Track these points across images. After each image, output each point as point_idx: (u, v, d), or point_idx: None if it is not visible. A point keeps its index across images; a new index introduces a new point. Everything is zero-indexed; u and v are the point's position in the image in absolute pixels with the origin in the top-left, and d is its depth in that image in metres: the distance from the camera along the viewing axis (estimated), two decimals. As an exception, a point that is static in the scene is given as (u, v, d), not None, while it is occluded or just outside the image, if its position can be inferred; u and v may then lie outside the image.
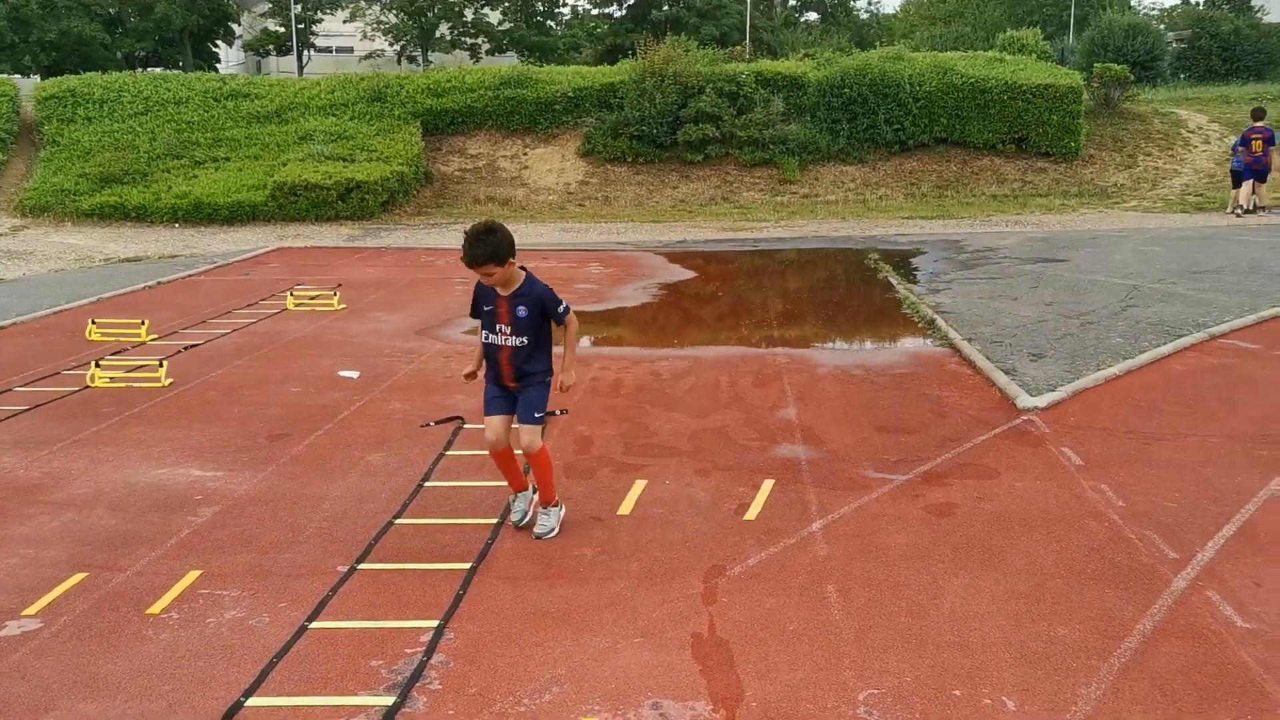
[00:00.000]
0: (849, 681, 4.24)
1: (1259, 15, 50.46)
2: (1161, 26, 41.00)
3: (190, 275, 16.19)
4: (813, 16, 72.03)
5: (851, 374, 9.37)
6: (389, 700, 4.15)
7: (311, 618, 4.86)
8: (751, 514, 6.07)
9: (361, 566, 5.43)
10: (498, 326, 5.57)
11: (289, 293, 13.53)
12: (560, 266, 16.43)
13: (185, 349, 10.73)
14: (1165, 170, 26.68)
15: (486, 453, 5.82)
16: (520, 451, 5.67)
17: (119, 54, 53.40)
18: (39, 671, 4.43)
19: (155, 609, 4.99)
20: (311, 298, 13.49)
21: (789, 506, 6.17)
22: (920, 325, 11.46)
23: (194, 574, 5.35)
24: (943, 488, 6.42)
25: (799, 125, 26.52)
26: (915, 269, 15.64)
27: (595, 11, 65.93)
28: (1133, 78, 29.57)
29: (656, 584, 5.18)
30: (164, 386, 9.23)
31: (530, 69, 29.42)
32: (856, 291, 14.24)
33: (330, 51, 75.92)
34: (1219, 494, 6.21)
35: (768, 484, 6.51)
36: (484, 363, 5.75)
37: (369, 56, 64.19)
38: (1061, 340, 10.12)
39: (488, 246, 5.37)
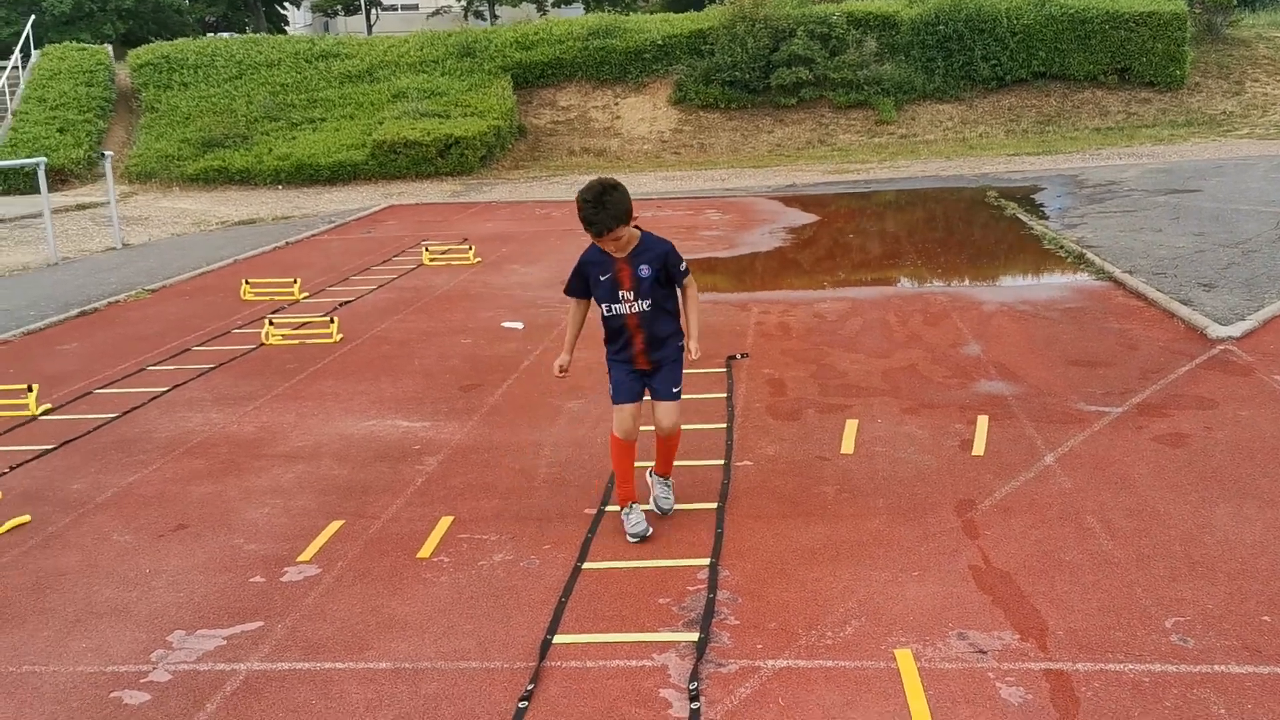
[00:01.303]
0: (1149, 609, 4.23)
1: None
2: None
3: (314, 235, 16.41)
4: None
5: (1019, 309, 9.27)
6: (692, 636, 4.22)
7: (581, 559, 4.95)
8: (978, 449, 6.05)
9: (609, 509, 5.50)
10: (620, 294, 4.99)
11: (424, 248, 13.65)
12: (676, 214, 16.39)
13: (340, 305, 10.90)
14: (1275, 96, 25.90)
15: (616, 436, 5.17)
16: (661, 432, 5.17)
17: (193, 19, 53.86)
18: (337, 613, 4.57)
19: (424, 553, 5.10)
20: (444, 252, 13.61)
21: (1013, 441, 6.14)
22: (1069, 260, 11.29)
23: (447, 520, 5.46)
24: (1165, 419, 6.34)
25: (893, 65, 26.12)
26: (1041, 205, 15.39)
27: (661, -42, 65.12)
28: (1235, 2, 28.64)
29: (911, 519, 5.19)
30: (335, 342, 9.39)
31: (618, 18, 29.24)
32: (989, 229, 14.04)
33: (396, 9, 75.96)
34: None
35: (983, 420, 6.48)
36: (609, 342, 5.14)
37: (435, 13, 64.15)
38: (1228, 269, 9.91)
39: (615, 208, 4.77)
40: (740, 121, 26.27)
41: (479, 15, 65.26)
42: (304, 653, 4.26)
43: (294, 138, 25.33)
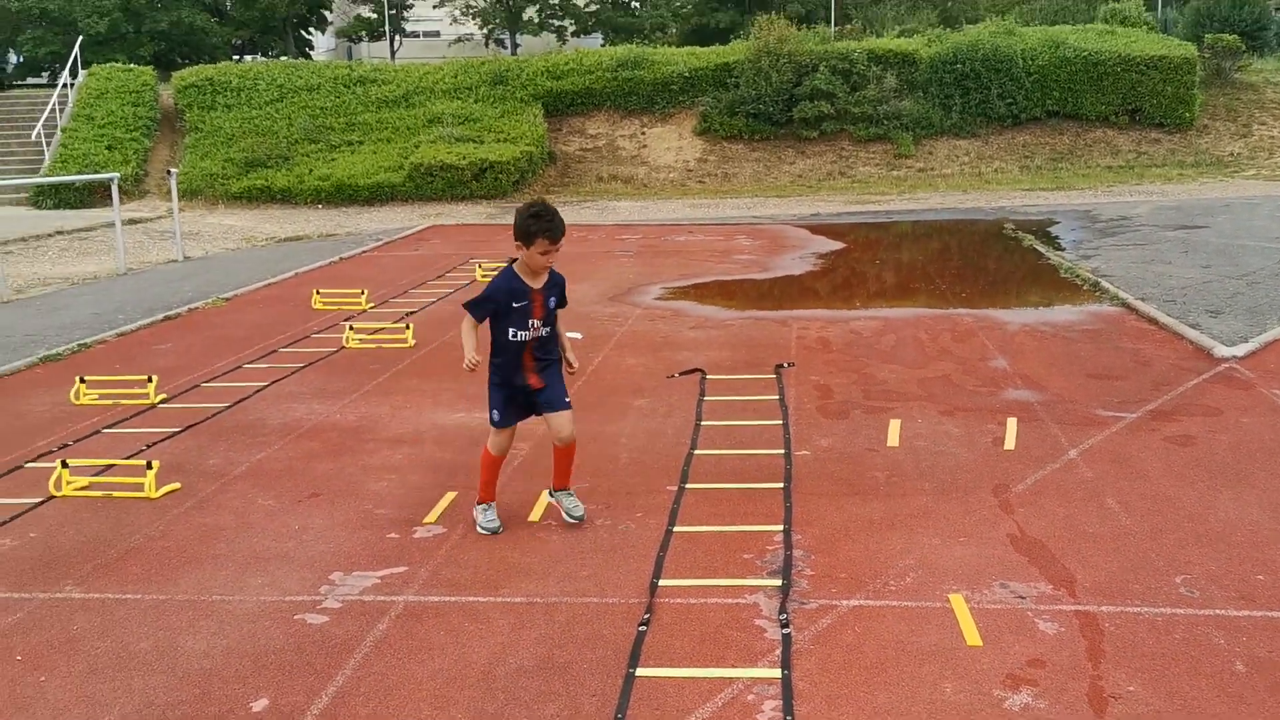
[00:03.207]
0: (1162, 569, 5.03)
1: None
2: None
3: (364, 251, 17.29)
4: (897, -9, 71.71)
5: (1040, 330, 10.09)
6: (776, 582, 5.03)
7: (671, 523, 5.76)
8: (1009, 444, 6.86)
9: (688, 486, 6.32)
10: (530, 322, 5.45)
11: (477, 265, 14.51)
12: (708, 239, 17.24)
13: (407, 314, 11.74)
14: (1281, 139, 26.76)
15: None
16: (560, 445, 5.64)
17: (222, 43, 55.11)
18: (469, 561, 5.38)
19: (534, 517, 5.92)
20: (494, 269, 14.45)
21: (1040, 439, 6.95)
22: (1085, 288, 12.11)
23: (546, 492, 6.27)
24: (1175, 423, 7.16)
25: (912, 101, 27.05)
26: (1056, 237, 16.23)
27: (680, -10, 66.42)
28: (1244, 47, 29.60)
29: (954, 498, 6.00)
30: (410, 346, 10.22)
31: (646, 50, 30.24)
32: (1008, 258, 14.88)
33: (418, 36, 77.26)
34: None
35: (1012, 421, 7.29)
36: (499, 361, 5.61)
37: (457, 41, 65.43)
38: (1234, 298, 10.73)
39: (562, 220, 5.41)
40: (763, 152, 27.20)
41: (500, 43, 66.55)
42: (448, 589, 5.08)
43: (333, 159, 26.27)
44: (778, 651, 4.39)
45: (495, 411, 5.69)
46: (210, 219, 23.35)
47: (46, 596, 5.13)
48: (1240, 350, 8.76)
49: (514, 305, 5.45)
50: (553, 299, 5.58)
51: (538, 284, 5.50)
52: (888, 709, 3.97)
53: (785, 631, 4.55)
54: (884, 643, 4.45)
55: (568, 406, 5.66)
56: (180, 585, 5.21)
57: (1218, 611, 4.61)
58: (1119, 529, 5.50)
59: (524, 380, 5.61)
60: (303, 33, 65.06)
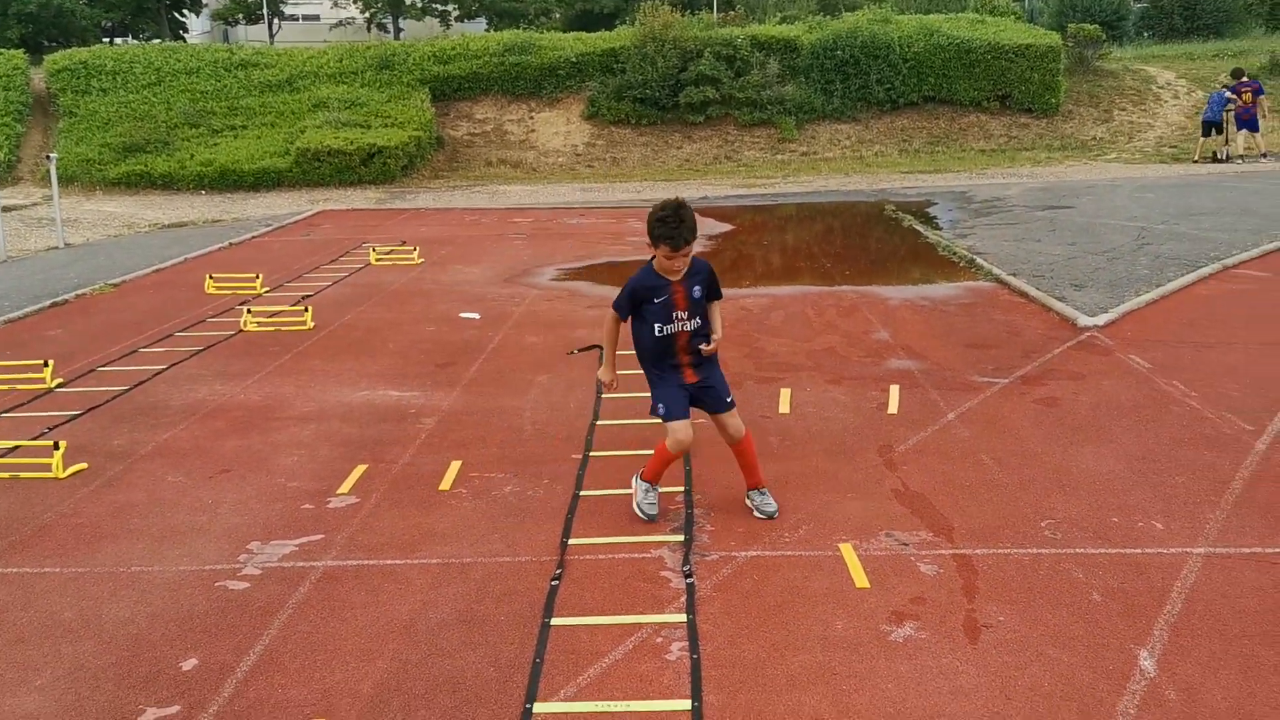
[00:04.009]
0: (1028, 515, 5.50)
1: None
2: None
3: (254, 236, 17.13)
4: (779, -22, 72.85)
5: (919, 305, 10.63)
6: (679, 538, 5.35)
7: (578, 488, 6.05)
8: (892, 409, 7.31)
9: (592, 454, 6.61)
10: (675, 315, 5.25)
11: (370, 249, 14.55)
12: (601, 222, 17.50)
13: (303, 298, 11.77)
14: (1139, 124, 28.14)
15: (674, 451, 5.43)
16: (734, 442, 5.48)
17: (93, 25, 53.32)
18: (384, 528, 5.59)
19: (445, 486, 6.15)
20: (388, 253, 14.52)
21: (920, 404, 7.42)
22: (961, 265, 12.73)
23: (457, 463, 6.50)
24: (1042, 387, 7.70)
25: (794, 86, 27.66)
26: (934, 218, 16.91)
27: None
28: (1104, 37, 30.98)
29: (842, 458, 6.40)
30: (309, 329, 10.29)
31: (532, 35, 30.27)
32: (889, 237, 15.49)
33: (297, 19, 75.62)
34: (1273, 384, 7.53)
35: (894, 388, 7.75)
36: (654, 360, 5.41)
37: (338, 24, 64.42)
38: (1096, 273, 11.43)
39: (693, 223, 5.13)
40: (651, 137, 27.55)
41: (382, 28, 65.64)
42: (365, 554, 5.28)
43: (216, 144, 25.79)
44: (683, 599, 4.71)
45: (662, 405, 5.37)
46: (88, 205, 22.75)
47: (-38, 573, 5.17)
48: (1101, 320, 9.38)
49: (655, 301, 5.23)
50: (697, 288, 5.26)
51: (678, 275, 5.23)
52: (785, 644, 4.32)
53: (689, 581, 4.87)
54: (780, 588, 4.81)
55: (731, 407, 5.43)
56: (98, 559, 5.31)
57: (1077, 550, 5.08)
58: (991, 481, 5.97)
59: (682, 376, 5.35)
60: (176, 14, 63.30)
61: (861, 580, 4.84)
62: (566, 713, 3.90)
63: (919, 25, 28.64)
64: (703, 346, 5.38)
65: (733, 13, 34.73)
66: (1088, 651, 4.17)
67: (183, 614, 4.72)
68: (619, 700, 3.95)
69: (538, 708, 3.92)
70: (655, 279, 5.26)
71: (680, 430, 5.33)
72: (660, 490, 5.77)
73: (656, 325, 5.26)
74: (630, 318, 5.40)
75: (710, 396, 5.42)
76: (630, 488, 5.73)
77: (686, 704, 3.91)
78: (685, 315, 5.27)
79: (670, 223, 5.07)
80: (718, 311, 5.52)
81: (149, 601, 4.85)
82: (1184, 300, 10.26)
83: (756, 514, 5.52)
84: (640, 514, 5.51)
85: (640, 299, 5.28)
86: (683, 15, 28.71)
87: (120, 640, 4.50)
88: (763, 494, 5.60)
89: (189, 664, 4.29)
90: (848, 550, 5.14)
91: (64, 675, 4.24)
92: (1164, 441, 6.50)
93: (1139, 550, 5.04)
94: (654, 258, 5.28)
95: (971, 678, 4.03)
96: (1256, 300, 10.16)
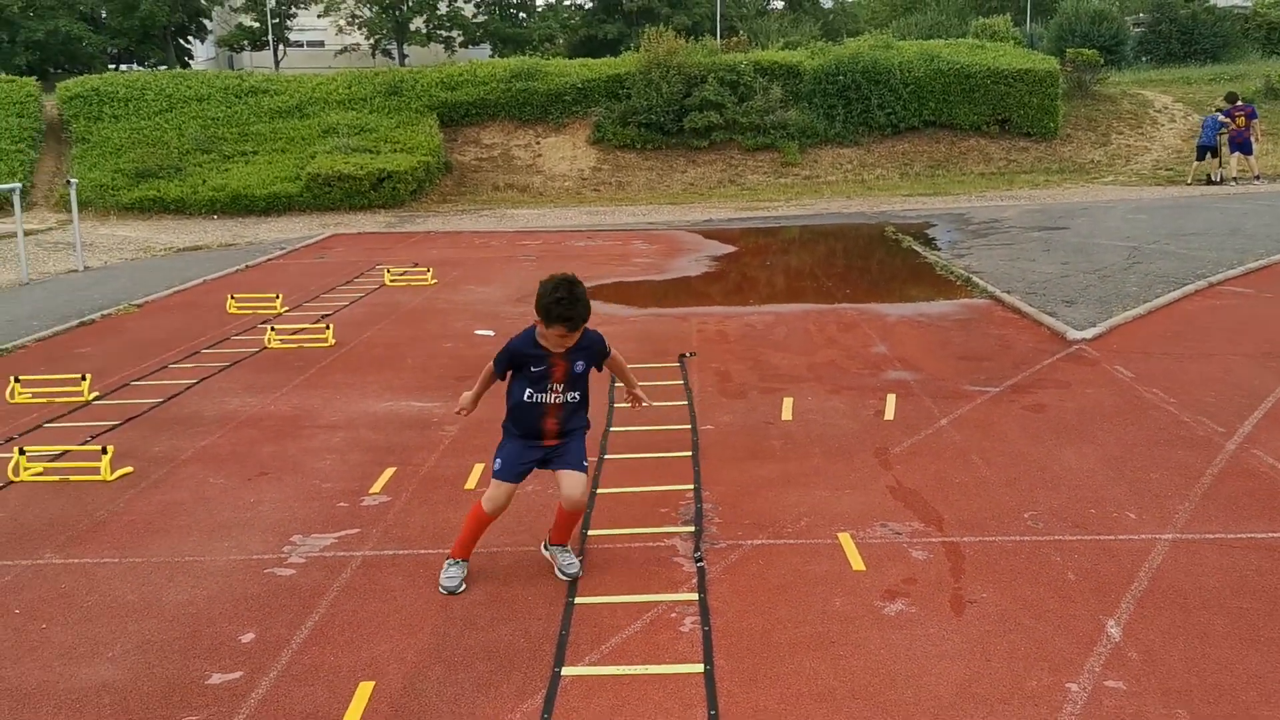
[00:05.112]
0: (1013, 507, 5.94)
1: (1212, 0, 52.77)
2: (1117, 11, 43.16)
3: (269, 259, 17.63)
4: (779, 5, 73.86)
5: (918, 321, 11.08)
6: (690, 529, 5.79)
7: (595, 487, 6.48)
8: (889, 415, 7.75)
9: (607, 457, 7.06)
10: (550, 386, 5.03)
11: (385, 270, 15.03)
12: (606, 244, 17.99)
13: (323, 317, 12.24)
14: (1137, 147, 28.66)
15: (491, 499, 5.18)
16: (567, 506, 5.14)
17: (99, 51, 54.12)
18: (416, 522, 6.03)
19: (470, 485, 6.59)
20: (402, 274, 15.01)
21: (915, 411, 7.86)
22: (958, 283, 13.19)
23: (479, 465, 6.93)
24: (1030, 395, 8.14)
25: (797, 111, 28.22)
26: (933, 239, 17.39)
27: (568, 2, 67.40)
28: (1102, 61, 31.58)
29: (840, 459, 6.84)
30: (330, 346, 10.75)
31: (539, 61, 30.89)
32: (889, 258, 15.96)
33: (302, 46, 76.44)
34: (1245, 391, 7.97)
35: (891, 397, 8.20)
36: (515, 419, 5.18)
37: (343, 51, 65.24)
38: (1086, 290, 11.89)
39: (587, 303, 4.93)
40: (656, 161, 28.11)
41: (387, 54, 66.46)
42: (401, 545, 5.72)
43: (227, 169, 26.35)
44: (694, 580, 5.15)
45: (499, 459, 5.19)
46: (103, 230, 23.26)
47: (29, 563, 5.62)
48: (1089, 334, 9.83)
49: (532, 369, 5.03)
50: (579, 363, 5.06)
51: (562, 348, 5.00)
52: (788, 619, 4.76)
53: (700, 565, 5.31)
54: (783, 571, 5.24)
55: (584, 469, 5.15)
56: (153, 550, 5.76)
57: (1056, 537, 5.52)
58: (980, 479, 6.41)
59: (540, 439, 5.16)
60: (182, 41, 64.16)
61: (858, 564, 5.27)
62: (592, 675, 4.33)
63: (920, 51, 29.22)
64: (640, 403, 5.44)
65: (736, 39, 35.32)
66: (1060, 622, 4.61)
67: (236, 596, 5.15)
68: (639, 664, 4.38)
69: (566, 671, 4.36)
70: (536, 349, 5.02)
71: (501, 491, 5.12)
72: (670, 489, 6.21)
73: (528, 391, 5.05)
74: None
75: (559, 457, 5.15)
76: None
77: (700, 667, 4.34)
78: (561, 388, 5.05)
79: (566, 303, 4.82)
80: (624, 367, 5.43)
81: (204, 586, 5.29)
82: (1169, 315, 10.71)
83: (558, 574, 5.23)
84: (443, 590, 5.13)
85: (518, 363, 5.10)
86: (687, 41, 29.27)
87: (181, 619, 4.94)
88: (566, 551, 5.32)
89: (247, 638, 4.73)
90: (845, 539, 5.58)
91: (133, 649, 4.68)
92: (1142, 442, 6.94)
93: (1112, 537, 5.48)
94: (536, 325, 5.02)
95: (955, 644, 4.46)
96: (1237, 315, 10.61)
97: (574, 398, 5.11)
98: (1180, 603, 4.74)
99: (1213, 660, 4.27)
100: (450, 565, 5.26)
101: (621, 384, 5.57)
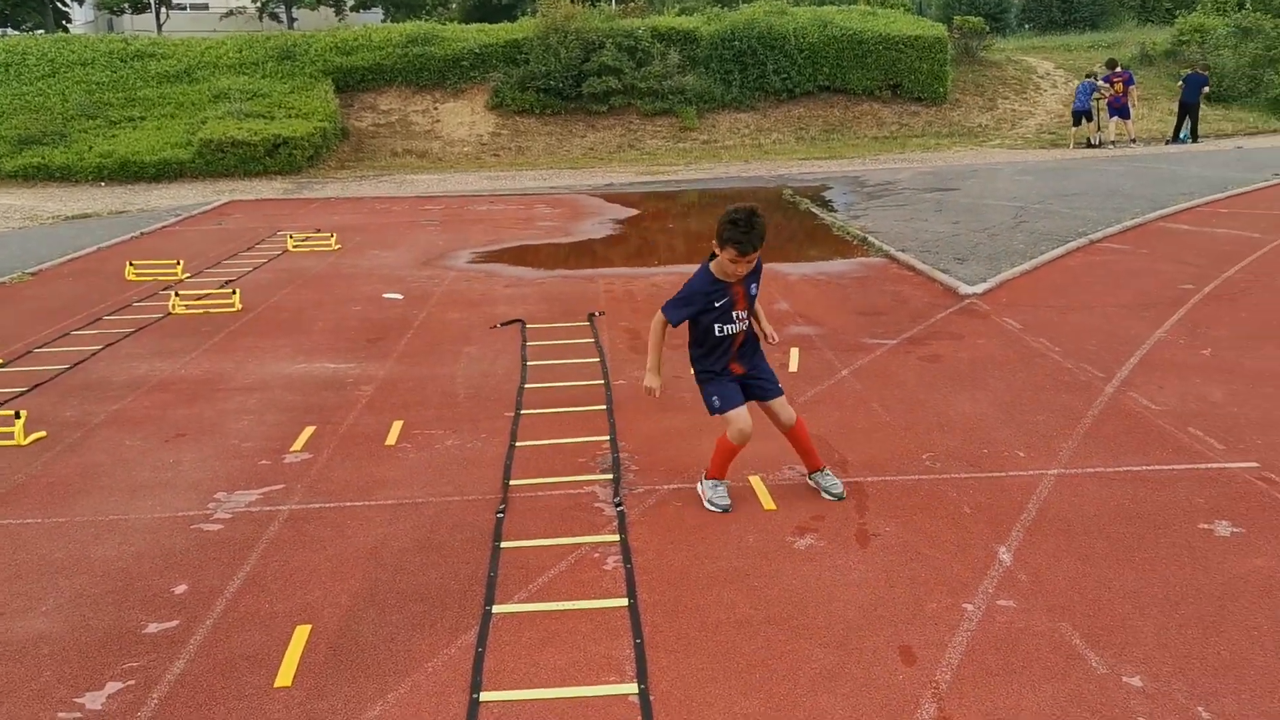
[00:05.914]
0: (912, 450, 6.30)
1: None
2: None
3: (165, 226, 17.31)
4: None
5: (817, 279, 11.46)
6: (608, 476, 6.03)
7: (513, 440, 6.68)
8: (793, 368, 8.08)
9: (524, 412, 7.25)
10: (735, 314, 5.30)
11: (288, 236, 14.91)
12: (509, 209, 18.06)
13: (227, 283, 12.14)
14: (1021, 112, 29.60)
15: (737, 442, 5.45)
16: (785, 428, 5.57)
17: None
18: (339, 477, 6.16)
19: (390, 441, 6.73)
20: (305, 239, 14.91)
21: (818, 363, 8.20)
22: (855, 243, 13.62)
23: (399, 423, 7.07)
24: (926, 346, 8.55)
25: (694, 76, 28.48)
26: (830, 201, 17.83)
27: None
28: (988, 29, 32.45)
29: (748, 409, 7.12)
30: (237, 311, 10.71)
31: (435, 27, 30.59)
32: (788, 220, 16.34)
33: (185, 9, 74.13)
34: (1123, 339, 8.49)
35: (794, 350, 8.53)
36: (704, 357, 5.44)
37: (229, 14, 63.50)
38: (976, 248, 12.40)
39: (763, 230, 5.15)
40: (555, 126, 28.14)
41: (275, 18, 64.83)
42: (326, 498, 5.85)
43: (114, 136, 25.66)
44: (615, 523, 5.39)
45: (717, 398, 5.40)
46: (-14, 198, 22.51)
47: (-52, 526, 5.61)
48: (980, 289, 10.30)
49: (716, 304, 5.25)
50: (754, 286, 5.37)
51: (736, 278, 5.27)
52: (705, 554, 5.03)
53: (620, 509, 5.55)
54: (699, 512, 5.52)
55: (779, 393, 5.54)
56: (75, 510, 5.79)
57: (952, 475, 5.89)
58: (880, 424, 6.76)
59: (730, 369, 5.42)
60: (59, 4, 61.72)
61: (769, 504, 5.57)
62: (522, 611, 4.55)
63: (813, 17, 29.66)
64: (770, 339, 5.67)
65: (633, 4, 35.35)
66: (957, 550, 4.96)
67: (165, 551, 5.24)
68: (566, 600, 4.62)
69: (496, 609, 4.57)
70: (715, 284, 5.25)
71: (740, 419, 5.35)
72: (586, 440, 6.43)
73: (717, 326, 5.28)
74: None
75: (758, 386, 5.52)
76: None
77: (623, 601, 4.59)
78: (744, 314, 5.34)
79: (741, 226, 5.05)
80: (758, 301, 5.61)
81: (132, 543, 5.36)
82: (1053, 271, 11.26)
83: (824, 495, 5.56)
84: (714, 509, 5.47)
85: (699, 305, 5.28)
86: (584, 7, 29.28)
87: (112, 574, 5.02)
88: (825, 474, 5.65)
89: (180, 589, 4.84)
90: (756, 481, 5.87)
91: (66, 603, 4.75)
92: (1029, 388, 7.38)
93: (1003, 474, 5.87)
94: (711, 259, 5.29)
95: (861, 573, 4.79)
96: (1115, 270, 11.20)
97: (749, 321, 5.42)
98: (1064, 529, 5.14)
99: (1093, 579, 4.66)
100: (717, 485, 5.56)
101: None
